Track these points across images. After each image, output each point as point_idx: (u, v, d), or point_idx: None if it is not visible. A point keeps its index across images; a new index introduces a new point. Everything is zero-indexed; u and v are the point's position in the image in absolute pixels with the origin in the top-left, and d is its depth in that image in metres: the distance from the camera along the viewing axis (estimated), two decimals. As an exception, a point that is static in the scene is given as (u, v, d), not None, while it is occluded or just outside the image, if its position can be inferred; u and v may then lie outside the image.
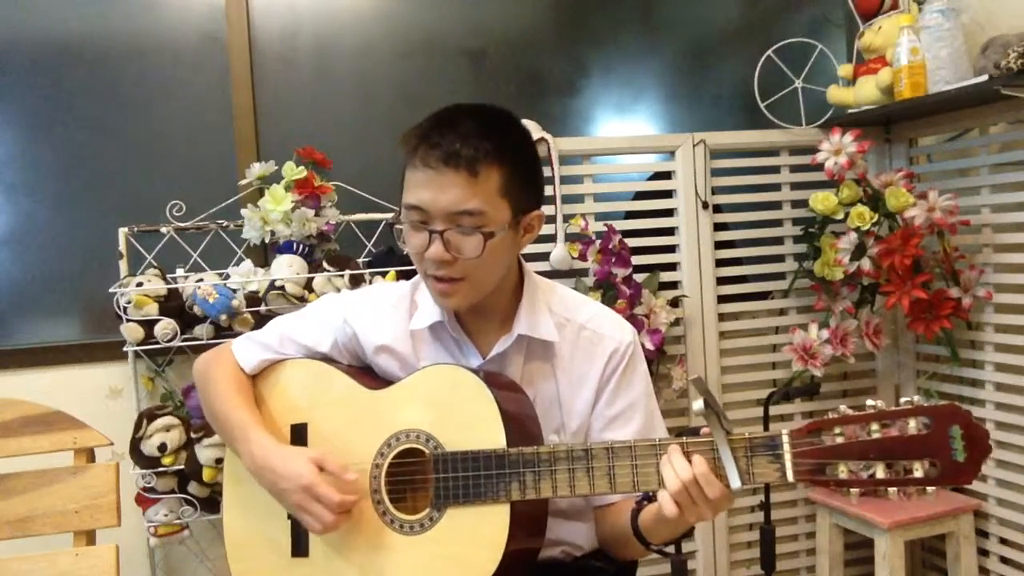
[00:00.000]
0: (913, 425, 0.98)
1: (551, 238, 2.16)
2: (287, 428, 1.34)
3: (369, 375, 1.36)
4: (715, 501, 1.06)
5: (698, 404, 1.04)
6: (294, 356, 1.39)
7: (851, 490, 1.02)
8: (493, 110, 1.24)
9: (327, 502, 1.19)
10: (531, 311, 1.30)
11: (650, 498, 1.19)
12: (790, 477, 1.03)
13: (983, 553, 2.20)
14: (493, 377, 1.24)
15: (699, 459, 1.07)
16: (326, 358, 1.38)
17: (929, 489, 0.98)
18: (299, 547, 1.30)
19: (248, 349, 1.40)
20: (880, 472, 0.98)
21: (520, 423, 1.21)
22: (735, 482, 1.05)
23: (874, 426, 0.99)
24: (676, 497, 1.07)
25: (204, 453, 1.93)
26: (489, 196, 1.19)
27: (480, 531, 1.16)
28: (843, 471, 1.00)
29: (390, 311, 1.35)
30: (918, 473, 0.97)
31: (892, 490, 1.01)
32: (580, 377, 1.31)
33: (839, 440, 1.00)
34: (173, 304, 2.00)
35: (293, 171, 2.08)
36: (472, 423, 1.19)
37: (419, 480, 1.24)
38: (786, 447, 1.03)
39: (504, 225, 1.21)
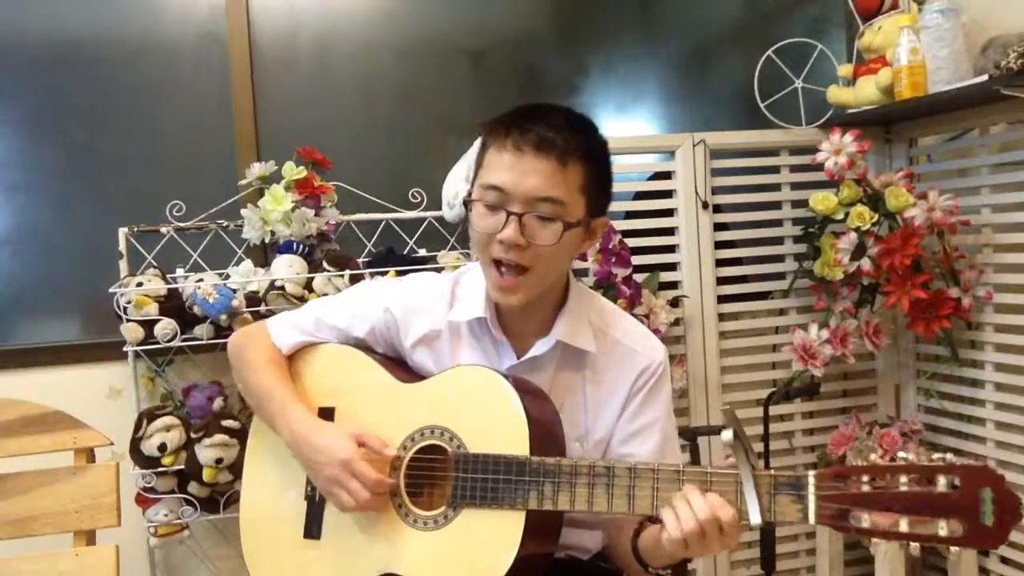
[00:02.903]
0: (943, 482, 0.95)
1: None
2: (315, 410, 1.35)
3: (401, 367, 1.36)
4: (728, 539, 1.05)
5: (727, 435, 1.03)
6: (329, 340, 1.39)
7: (872, 540, 1.01)
8: (579, 113, 1.26)
9: (364, 479, 1.20)
10: (572, 318, 1.30)
11: (652, 519, 1.18)
12: (812, 519, 1.02)
13: (983, 553, 2.20)
14: (522, 383, 1.24)
15: (723, 504, 1.05)
16: (361, 345, 1.38)
17: (952, 549, 0.96)
18: (311, 529, 1.31)
19: (284, 331, 1.41)
20: (904, 526, 0.96)
21: (545, 431, 1.21)
22: (755, 518, 1.04)
23: (902, 478, 0.97)
24: (687, 535, 1.05)
25: (204, 453, 1.93)
26: (571, 189, 1.20)
27: (493, 535, 1.16)
28: (866, 520, 0.98)
29: (431, 301, 1.35)
30: (943, 532, 0.95)
31: (914, 545, 0.97)
32: (609, 389, 1.31)
33: (865, 488, 0.99)
34: (173, 304, 2.00)
35: (293, 171, 2.08)
36: (498, 427, 1.19)
37: (438, 477, 1.24)
38: (811, 488, 1.02)
39: (579, 220, 1.22)
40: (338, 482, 1.21)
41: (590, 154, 1.22)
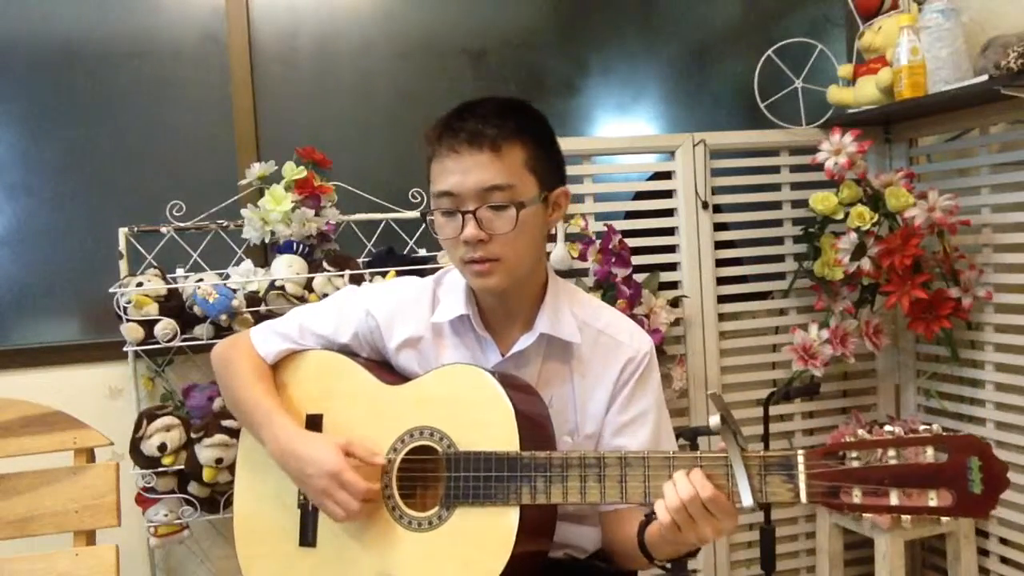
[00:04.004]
0: (930, 454, 0.97)
1: (551, 238, 2.15)
2: (302, 417, 1.35)
3: (387, 370, 1.36)
4: (718, 521, 1.05)
5: (715, 420, 1.03)
6: (314, 347, 1.39)
7: (863, 514, 1.02)
8: (507, 97, 1.28)
9: (353, 489, 1.19)
10: (554, 311, 1.31)
11: None
12: (803, 498, 1.02)
13: (983, 553, 2.19)
14: (509, 379, 1.24)
15: (703, 482, 1.05)
16: (346, 350, 1.38)
17: (943, 519, 0.97)
18: (307, 537, 1.31)
19: (268, 339, 1.40)
20: (894, 499, 0.97)
21: (534, 426, 1.21)
22: (747, 500, 1.03)
23: (891, 452, 0.98)
24: (674, 515, 1.06)
25: (204, 453, 1.93)
26: (515, 170, 1.22)
27: (488, 533, 1.16)
28: (857, 495, 0.99)
29: (412, 305, 1.36)
30: (932, 502, 0.96)
31: (906, 517, 0.99)
32: (595, 381, 1.31)
33: (855, 464, 1.00)
34: (173, 304, 2.00)
35: (293, 171, 2.08)
36: (487, 424, 1.19)
37: (430, 478, 1.24)
38: (801, 467, 1.02)
39: (533, 198, 1.23)
40: (327, 494, 1.21)
41: (524, 132, 1.24)
